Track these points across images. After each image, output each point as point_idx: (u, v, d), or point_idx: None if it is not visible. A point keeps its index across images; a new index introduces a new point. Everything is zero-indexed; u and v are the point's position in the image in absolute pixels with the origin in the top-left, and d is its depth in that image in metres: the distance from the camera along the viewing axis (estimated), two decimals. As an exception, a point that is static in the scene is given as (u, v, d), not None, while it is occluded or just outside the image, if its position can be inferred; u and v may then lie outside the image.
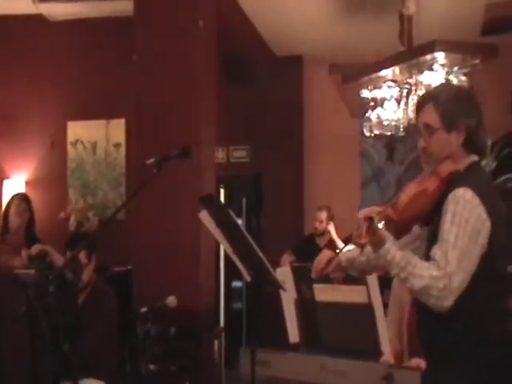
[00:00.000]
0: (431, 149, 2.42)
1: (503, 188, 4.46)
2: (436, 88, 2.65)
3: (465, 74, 5.00)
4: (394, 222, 2.29)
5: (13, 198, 5.13)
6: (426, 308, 2.33)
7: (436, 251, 2.25)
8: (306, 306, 2.82)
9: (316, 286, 2.77)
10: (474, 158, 2.44)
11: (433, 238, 2.34)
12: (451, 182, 2.33)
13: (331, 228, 6.33)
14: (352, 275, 2.71)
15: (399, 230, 2.34)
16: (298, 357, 2.91)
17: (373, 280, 2.63)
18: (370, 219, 2.23)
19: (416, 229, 2.56)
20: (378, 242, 2.26)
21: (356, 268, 2.71)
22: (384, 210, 2.28)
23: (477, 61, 4.93)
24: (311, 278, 2.74)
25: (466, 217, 2.23)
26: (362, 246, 2.28)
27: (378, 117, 5.68)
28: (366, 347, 2.65)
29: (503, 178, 4.45)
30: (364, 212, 2.27)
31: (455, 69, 4.97)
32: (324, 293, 2.73)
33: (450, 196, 2.28)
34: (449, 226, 2.24)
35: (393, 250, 2.26)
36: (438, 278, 2.19)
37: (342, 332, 2.75)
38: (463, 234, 2.22)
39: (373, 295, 2.56)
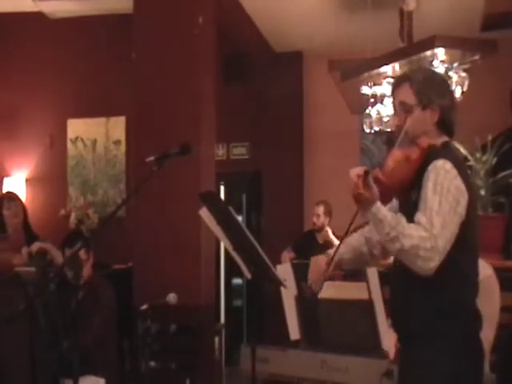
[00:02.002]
0: (406, 126, 2.47)
1: (504, 184, 4.44)
2: (411, 70, 2.75)
3: (465, 70, 4.99)
4: (382, 185, 2.32)
5: (1, 200, 4.99)
6: (402, 284, 2.43)
7: (420, 216, 2.29)
8: (307, 303, 2.82)
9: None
10: (446, 138, 2.52)
11: (410, 209, 2.38)
12: (429, 155, 2.40)
13: (328, 230, 6.34)
14: (351, 271, 2.71)
15: (385, 194, 2.38)
16: (298, 353, 2.92)
17: (373, 276, 2.63)
18: (365, 173, 2.27)
19: (391, 204, 2.59)
20: (371, 199, 2.29)
21: (345, 265, 2.75)
22: (373, 171, 2.32)
23: (477, 56, 4.92)
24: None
25: (446, 186, 2.30)
26: (360, 199, 2.29)
27: (378, 113, 5.68)
28: (366, 343, 2.65)
29: (503, 173, 4.44)
30: (355, 170, 2.31)
31: (455, 65, 4.97)
32: (324, 289, 2.73)
33: (431, 167, 2.35)
34: (431, 195, 2.30)
35: (383, 209, 2.31)
36: (426, 239, 2.23)
37: (342, 328, 2.75)
38: (445, 203, 2.28)
39: (373, 291, 2.56)
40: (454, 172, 2.32)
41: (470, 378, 2.40)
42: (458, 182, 2.32)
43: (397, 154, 2.40)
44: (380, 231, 2.32)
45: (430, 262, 2.24)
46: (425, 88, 2.47)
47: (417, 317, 2.41)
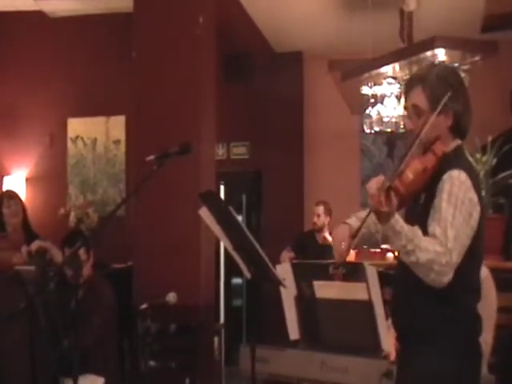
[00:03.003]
0: (419, 130, 2.43)
1: (503, 184, 4.45)
2: (424, 70, 2.60)
3: (465, 71, 4.99)
4: (400, 195, 2.27)
5: (1, 199, 4.99)
6: (406, 288, 2.44)
7: (435, 228, 2.28)
8: (306, 303, 2.82)
9: (316, 283, 2.77)
10: (459, 142, 2.50)
11: (417, 211, 2.40)
12: (443, 163, 2.38)
13: (326, 234, 6.34)
14: (350, 271, 2.71)
15: (401, 203, 2.34)
16: (298, 354, 2.92)
17: (373, 277, 2.63)
18: (388, 189, 2.21)
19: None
20: (391, 212, 2.24)
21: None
22: (392, 182, 2.27)
23: (477, 57, 4.93)
24: (311, 274, 2.74)
25: (461, 198, 2.29)
26: (382, 215, 2.24)
27: (378, 113, 5.68)
28: (366, 344, 2.65)
29: (503, 174, 4.45)
30: (375, 183, 2.24)
31: (455, 65, 4.97)
32: (324, 289, 2.73)
33: (446, 176, 2.33)
34: (446, 205, 2.29)
35: (401, 221, 2.27)
36: (442, 254, 2.22)
37: (342, 329, 2.74)
38: (459, 215, 2.27)
39: (373, 292, 2.56)
40: (469, 183, 2.31)
41: (470, 379, 2.41)
42: (472, 195, 2.31)
43: (416, 164, 2.35)
44: (396, 242, 2.28)
45: (443, 277, 2.24)
46: (438, 93, 2.40)
47: (420, 320, 2.41)
